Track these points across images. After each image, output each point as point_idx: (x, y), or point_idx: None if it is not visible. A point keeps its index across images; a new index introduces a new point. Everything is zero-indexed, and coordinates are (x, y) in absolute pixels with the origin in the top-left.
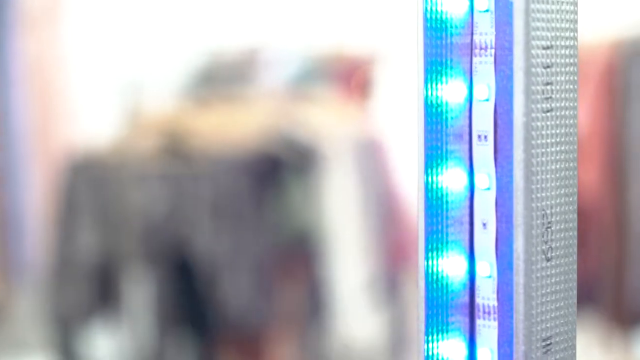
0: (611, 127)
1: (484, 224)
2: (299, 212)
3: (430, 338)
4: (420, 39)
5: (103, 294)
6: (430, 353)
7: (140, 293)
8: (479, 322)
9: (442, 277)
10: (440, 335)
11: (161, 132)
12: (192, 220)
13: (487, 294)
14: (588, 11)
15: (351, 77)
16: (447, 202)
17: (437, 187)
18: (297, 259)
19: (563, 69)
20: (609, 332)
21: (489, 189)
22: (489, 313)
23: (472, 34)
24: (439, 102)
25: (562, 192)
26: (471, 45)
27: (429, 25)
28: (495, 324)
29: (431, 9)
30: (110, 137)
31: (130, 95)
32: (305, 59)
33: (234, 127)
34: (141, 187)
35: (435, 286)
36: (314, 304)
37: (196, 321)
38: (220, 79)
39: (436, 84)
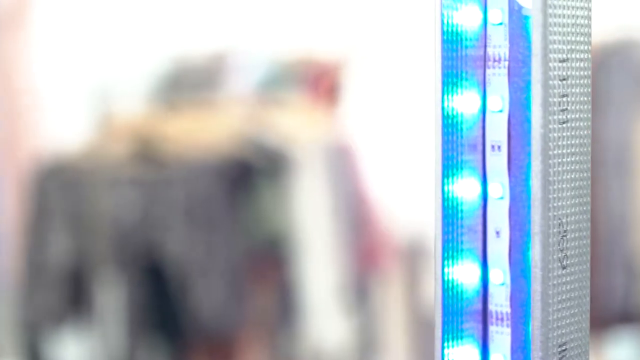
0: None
1: (497, 232)
2: (269, 216)
3: (445, 344)
4: (438, 51)
5: (74, 299)
6: (445, 359)
7: (112, 298)
8: (492, 328)
9: (456, 284)
10: (454, 342)
11: (132, 136)
12: (163, 224)
13: (500, 300)
14: None
15: (320, 82)
16: (461, 211)
17: (451, 197)
18: (268, 263)
19: (578, 81)
20: None
21: (502, 198)
22: (502, 319)
23: (485, 46)
24: (453, 113)
25: (576, 201)
26: (485, 58)
27: (445, 38)
28: (508, 330)
29: (447, 22)
30: (81, 141)
31: (100, 100)
32: (274, 63)
33: (204, 132)
34: (112, 191)
35: (449, 293)
36: (284, 308)
37: (168, 326)
38: (189, 84)
39: (451, 96)
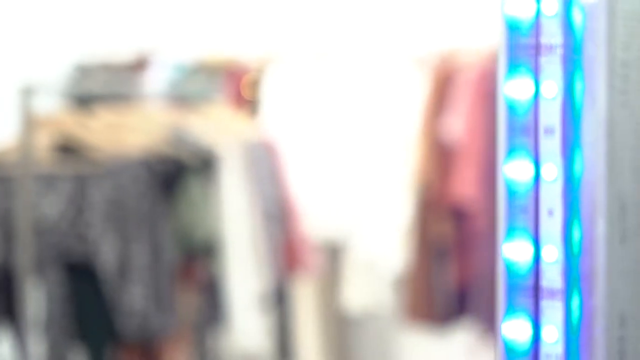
0: (491, 131)
1: (550, 212)
2: (192, 215)
3: (502, 319)
4: (502, 41)
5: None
6: (503, 333)
7: (33, 300)
8: (544, 303)
9: (510, 262)
10: (509, 316)
11: (56, 133)
12: (85, 224)
13: (552, 276)
14: (470, 18)
15: (241, 81)
16: (516, 192)
17: (508, 179)
18: (191, 264)
19: (636, 64)
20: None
21: (555, 179)
22: (554, 294)
23: (539, 35)
24: (510, 99)
25: (635, 178)
26: (539, 46)
27: (506, 28)
28: (560, 304)
29: (507, 13)
30: (4, 139)
31: (23, 97)
32: (195, 62)
33: (128, 129)
34: (37, 189)
35: (505, 270)
36: (209, 308)
37: (93, 330)
38: (112, 82)
39: (508, 82)
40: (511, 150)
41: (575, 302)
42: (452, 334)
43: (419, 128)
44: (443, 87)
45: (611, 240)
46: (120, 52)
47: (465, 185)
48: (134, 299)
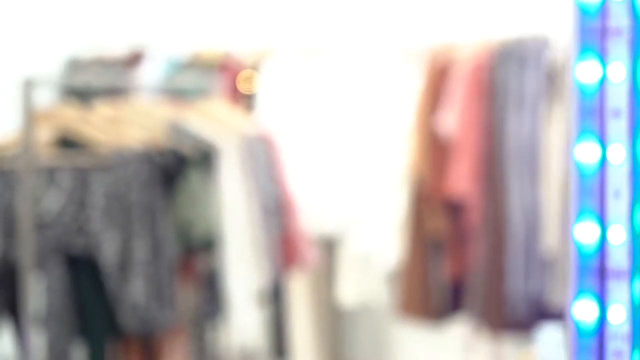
0: (486, 125)
1: (617, 193)
2: (190, 211)
3: (572, 300)
4: (575, 26)
5: None
6: (573, 313)
7: (36, 291)
8: (610, 283)
9: (577, 243)
10: (577, 296)
11: (55, 128)
12: (88, 216)
13: (618, 257)
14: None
15: (236, 76)
16: (583, 174)
17: (575, 161)
18: (192, 257)
19: None
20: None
21: (621, 161)
22: (619, 275)
23: (607, 18)
24: (579, 81)
25: None
26: (606, 30)
27: (577, 14)
28: (626, 284)
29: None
30: (4, 133)
31: (23, 91)
32: (190, 57)
33: (127, 123)
34: (38, 183)
35: (572, 252)
36: (208, 303)
37: (91, 325)
38: (107, 76)
39: (577, 66)
40: (580, 133)
41: (638, 284)
42: (447, 328)
43: (413, 122)
44: (437, 81)
45: None
46: (115, 46)
47: (459, 180)
48: (134, 293)
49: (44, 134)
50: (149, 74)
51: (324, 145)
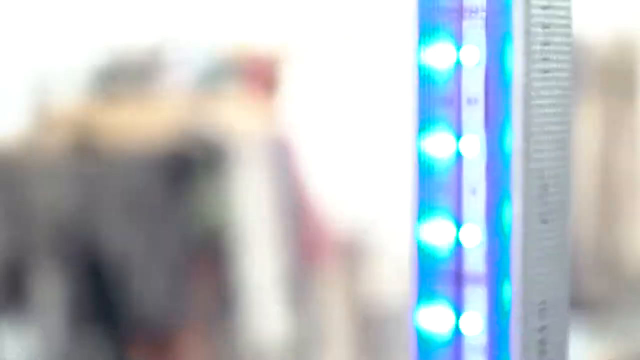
0: None
1: (473, 190)
2: (209, 210)
3: (418, 307)
4: (414, 3)
5: (11, 294)
6: (418, 322)
7: (50, 292)
8: (466, 288)
9: (429, 244)
10: (427, 304)
11: (70, 128)
12: (101, 218)
13: (475, 260)
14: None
15: (259, 74)
16: (435, 168)
17: (425, 154)
18: (209, 257)
19: (559, 30)
20: None
21: (478, 154)
22: (477, 279)
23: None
24: (428, 66)
25: (558, 154)
26: (461, 8)
27: None
28: (484, 290)
29: None
30: (17, 133)
31: (37, 91)
32: (212, 56)
33: (143, 124)
34: (50, 184)
35: (422, 254)
36: (225, 302)
37: (107, 320)
38: (128, 76)
39: (426, 49)
40: (432, 123)
41: (506, 289)
42: None
43: None
44: None
45: (530, 219)
46: (137, 44)
47: None
48: (147, 292)
49: (59, 134)
50: (173, 73)
51: (350, 143)
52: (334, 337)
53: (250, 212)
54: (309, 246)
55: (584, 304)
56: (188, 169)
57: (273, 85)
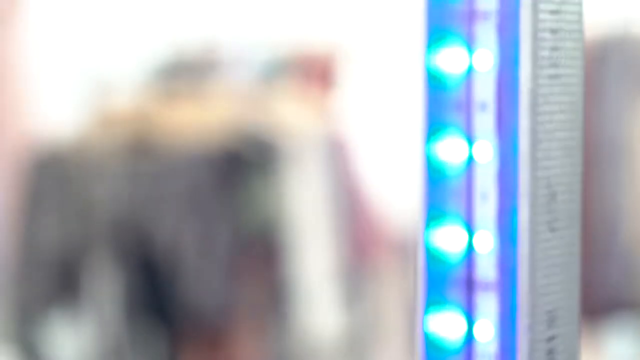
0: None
1: (484, 196)
2: (263, 208)
3: (428, 313)
4: (423, 5)
5: (68, 288)
6: (428, 328)
7: (106, 287)
8: (477, 296)
9: (440, 250)
10: (438, 310)
11: (126, 127)
12: (156, 215)
13: (486, 266)
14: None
15: (314, 73)
16: (446, 173)
17: (436, 159)
18: (262, 254)
19: (569, 35)
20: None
21: (489, 160)
22: (488, 287)
23: (472, 0)
24: (438, 70)
25: (567, 161)
26: (472, 12)
27: None
28: (495, 297)
29: None
30: (74, 132)
31: (94, 91)
32: (269, 54)
33: (199, 123)
34: (105, 182)
35: (433, 260)
36: (277, 300)
37: (161, 316)
38: (184, 75)
39: (436, 52)
40: (443, 128)
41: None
42: None
43: None
44: None
45: (538, 227)
46: (194, 43)
47: None
48: (200, 289)
49: (114, 135)
50: (229, 71)
51: (404, 143)
52: (387, 334)
53: (304, 210)
54: (363, 243)
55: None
56: (243, 166)
57: (329, 84)
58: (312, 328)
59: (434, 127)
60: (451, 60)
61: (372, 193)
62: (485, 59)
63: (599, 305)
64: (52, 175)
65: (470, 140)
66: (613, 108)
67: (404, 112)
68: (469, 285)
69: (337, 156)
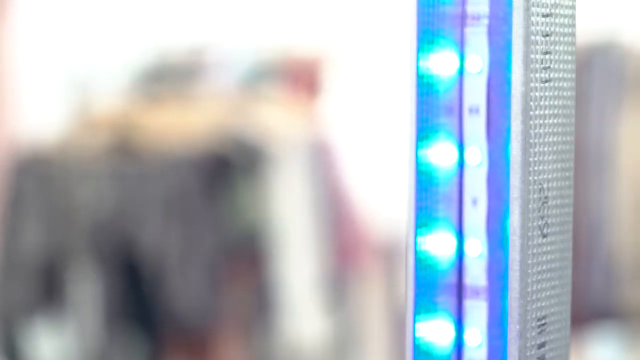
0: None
1: (474, 201)
2: (247, 211)
3: (418, 319)
4: (413, 8)
5: (49, 292)
6: (417, 334)
7: (87, 291)
8: (467, 302)
9: (429, 255)
10: (427, 316)
11: (109, 129)
12: (140, 218)
13: (476, 273)
14: None
15: (299, 78)
16: (436, 178)
17: (426, 163)
18: (246, 259)
19: (561, 38)
20: None
21: (480, 164)
22: (478, 293)
23: (464, 3)
24: (429, 74)
25: (559, 166)
26: (463, 15)
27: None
28: (485, 304)
29: None
30: (57, 134)
31: (78, 91)
32: (254, 58)
33: (183, 126)
34: (89, 184)
35: (422, 265)
36: (261, 304)
37: (143, 320)
38: (168, 78)
39: (427, 55)
40: (433, 132)
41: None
42: None
43: None
44: None
45: (529, 232)
46: (179, 46)
47: None
48: (183, 293)
49: (99, 136)
50: (214, 74)
51: (389, 149)
52: (371, 339)
53: (289, 214)
54: (348, 248)
55: (622, 314)
56: (227, 170)
57: (314, 88)
58: (295, 333)
59: (424, 131)
60: (442, 63)
61: (357, 198)
62: (476, 62)
63: (582, 312)
64: (35, 178)
65: (460, 144)
66: (597, 114)
67: (391, 117)
68: (459, 291)
69: (322, 161)
